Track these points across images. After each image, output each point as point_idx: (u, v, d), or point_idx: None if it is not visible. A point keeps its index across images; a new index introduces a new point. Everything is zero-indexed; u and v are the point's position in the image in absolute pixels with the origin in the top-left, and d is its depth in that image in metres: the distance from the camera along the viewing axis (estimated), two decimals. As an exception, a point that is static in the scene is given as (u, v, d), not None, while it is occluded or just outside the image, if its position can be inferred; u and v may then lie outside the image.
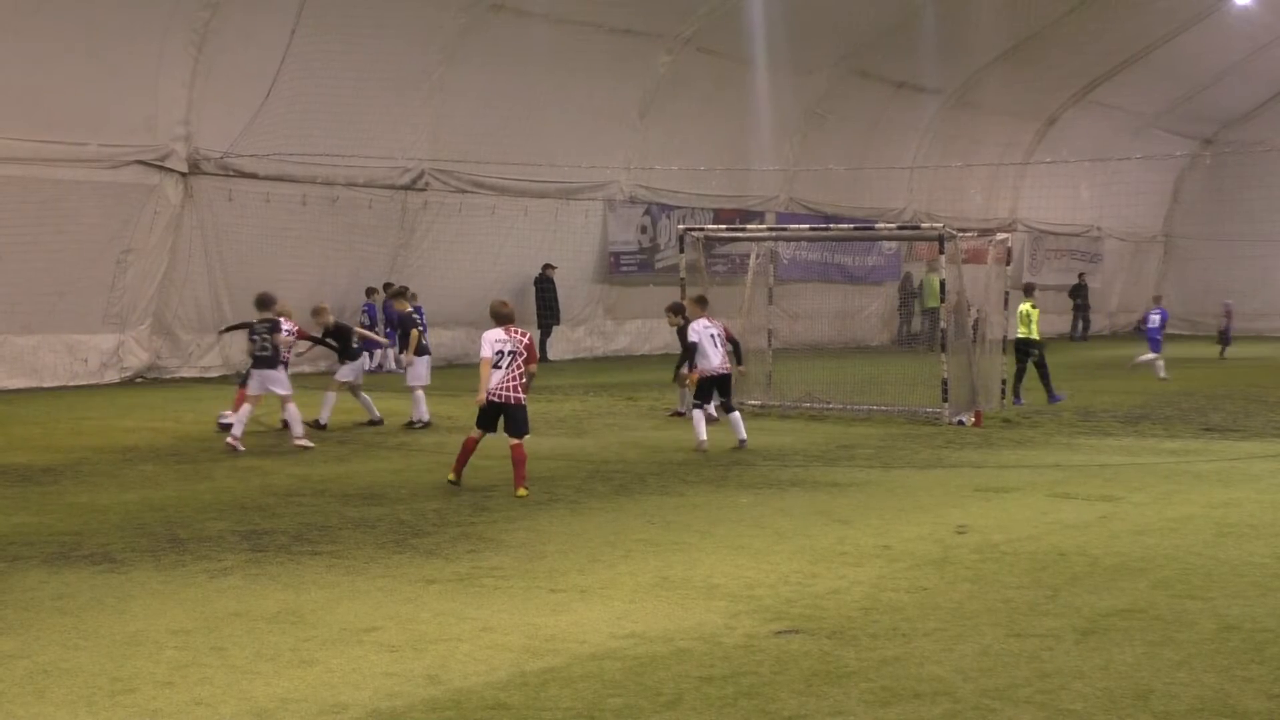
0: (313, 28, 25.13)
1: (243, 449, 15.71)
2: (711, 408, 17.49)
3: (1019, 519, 11.69)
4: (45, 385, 23.28)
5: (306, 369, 23.65)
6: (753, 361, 21.47)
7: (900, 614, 8.38)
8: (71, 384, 23.60)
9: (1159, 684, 7.00)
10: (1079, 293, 45.46)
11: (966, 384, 19.73)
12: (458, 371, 25.99)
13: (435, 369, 19.10)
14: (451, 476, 13.30)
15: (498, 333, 13.06)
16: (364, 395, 18.58)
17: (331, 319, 18.73)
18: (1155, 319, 28.57)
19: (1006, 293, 21.83)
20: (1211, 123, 48.57)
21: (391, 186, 28.29)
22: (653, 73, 32.12)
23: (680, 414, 19.16)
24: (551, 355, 31.26)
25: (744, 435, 16.42)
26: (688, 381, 17.29)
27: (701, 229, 24.51)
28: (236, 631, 7.98)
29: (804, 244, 36.15)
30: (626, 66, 31.41)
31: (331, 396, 18.17)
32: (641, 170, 33.22)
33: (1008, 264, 22.32)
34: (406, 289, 21.41)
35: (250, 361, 16.60)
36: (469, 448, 13.28)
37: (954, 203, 40.78)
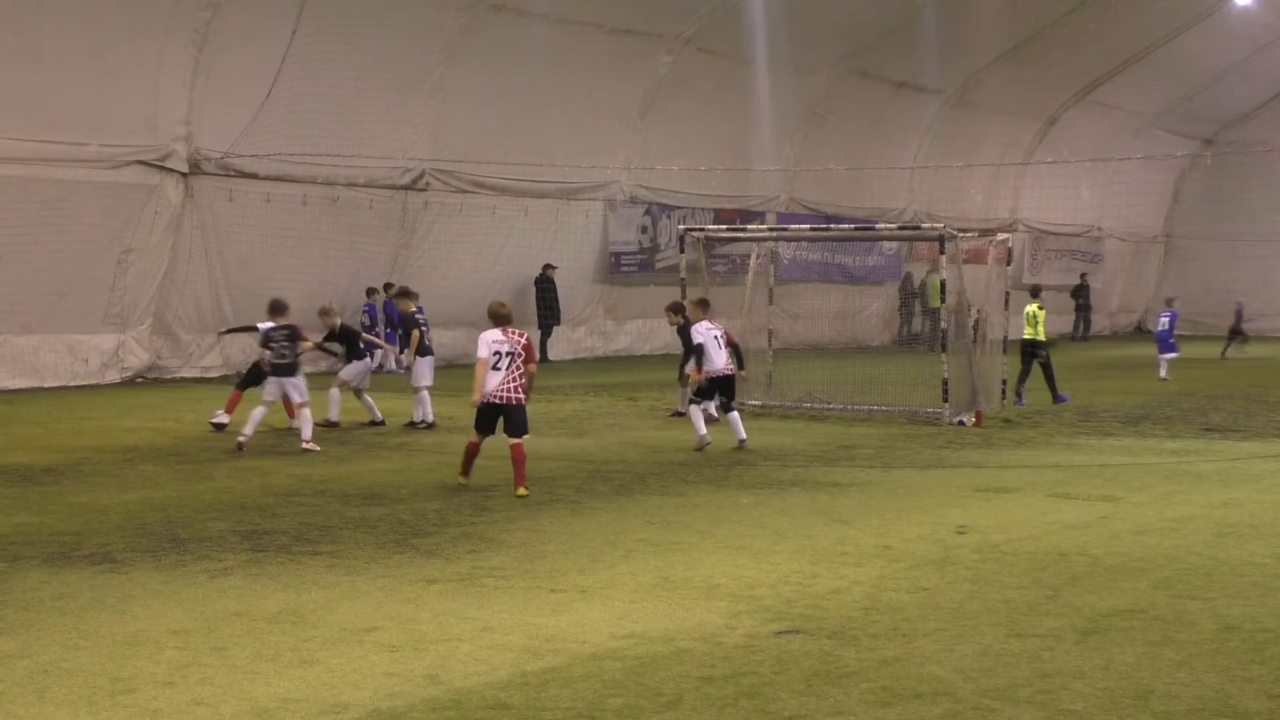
0: (313, 28, 25.13)
1: (243, 449, 15.73)
2: (712, 408, 17.50)
3: (1019, 519, 11.69)
4: (46, 385, 23.28)
5: (307, 370, 23.63)
6: (753, 362, 21.46)
7: (901, 614, 8.38)
8: (72, 384, 23.60)
9: (1159, 684, 7.00)
10: (1081, 293, 45.46)
11: (967, 384, 19.73)
12: (458, 372, 25.94)
13: (435, 369, 19.08)
14: (462, 480, 13.24)
15: (495, 333, 13.03)
16: (367, 398, 18.59)
17: (338, 320, 18.74)
18: (1164, 320, 28.59)
19: (1007, 293, 21.84)
20: (1212, 123, 48.57)
21: (392, 186, 28.29)
22: (653, 73, 32.12)
23: (681, 414, 19.15)
24: (552, 355, 31.26)
25: (744, 435, 16.42)
26: (690, 380, 17.28)
27: (702, 229, 24.51)
28: (237, 631, 7.98)
29: (804, 244, 36.13)
30: (627, 66, 31.41)
31: (335, 394, 18.22)
32: (642, 170, 33.22)
33: (1008, 264, 22.33)
34: (409, 289, 21.40)
35: (249, 364, 16.64)
36: (471, 452, 13.26)
37: (954, 203, 40.78)
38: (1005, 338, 21.36)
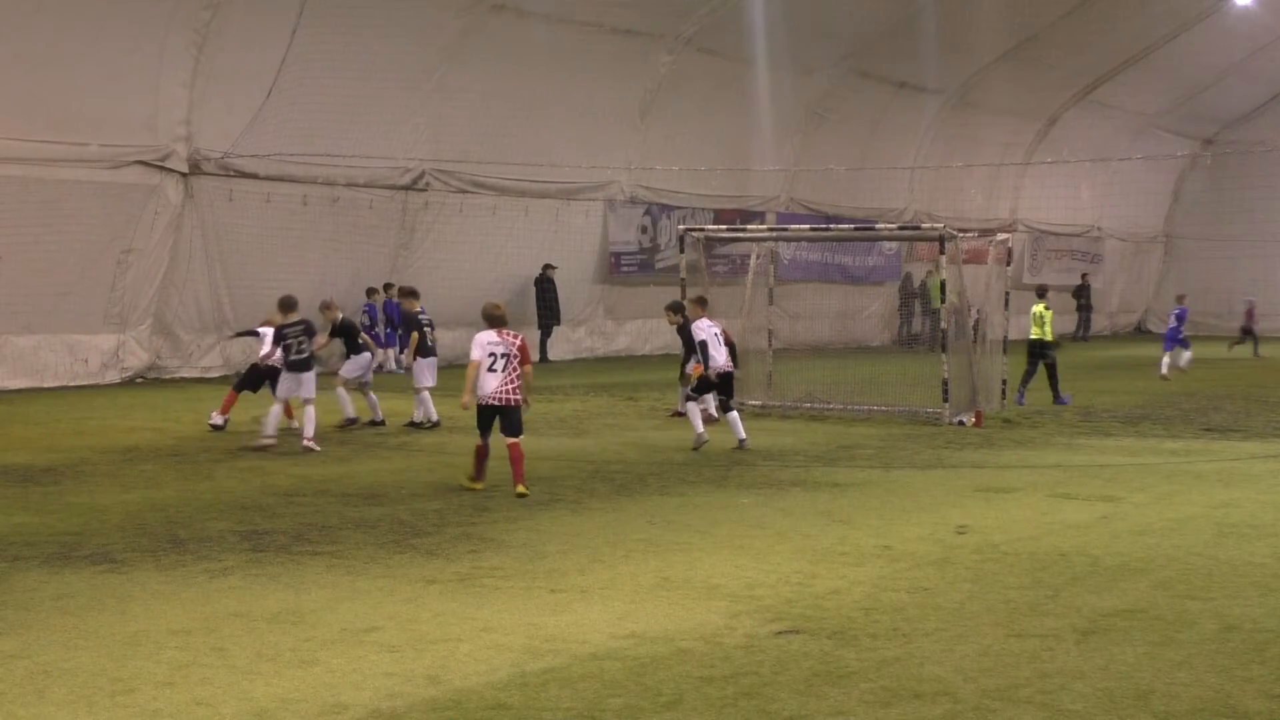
0: (313, 28, 25.12)
1: (269, 450, 15.79)
2: (712, 408, 17.51)
3: (1020, 519, 11.68)
4: (46, 385, 23.28)
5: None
6: (753, 362, 21.49)
7: (901, 614, 8.38)
8: (72, 384, 23.60)
9: (1160, 684, 7.00)
10: (1083, 293, 45.46)
11: (967, 384, 19.73)
12: (457, 372, 25.93)
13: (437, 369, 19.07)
14: (479, 485, 13.15)
15: (490, 335, 13.02)
16: (372, 395, 18.59)
17: (339, 314, 18.73)
18: (1173, 318, 28.65)
19: (1007, 293, 21.84)
20: (1212, 123, 48.58)
21: (392, 187, 28.29)
22: (653, 73, 32.12)
23: (681, 414, 19.14)
24: (552, 355, 31.27)
25: (744, 435, 16.42)
26: (690, 377, 17.27)
27: (702, 229, 24.49)
28: (237, 632, 7.98)
29: (804, 244, 36.14)
30: (627, 67, 31.40)
31: (343, 393, 18.23)
32: (642, 170, 33.21)
33: (1008, 264, 22.32)
34: (414, 289, 21.38)
35: (248, 364, 16.65)
36: (481, 455, 13.20)
37: (954, 203, 40.79)
38: (1005, 338, 21.35)
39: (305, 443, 15.93)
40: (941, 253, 19.85)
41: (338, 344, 18.90)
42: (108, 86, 23.32)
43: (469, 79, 28.32)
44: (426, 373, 18.47)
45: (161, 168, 24.41)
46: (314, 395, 16.41)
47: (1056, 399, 21.81)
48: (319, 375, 16.83)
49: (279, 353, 16.71)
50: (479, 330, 13.18)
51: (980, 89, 39.96)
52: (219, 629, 8.04)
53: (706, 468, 14.83)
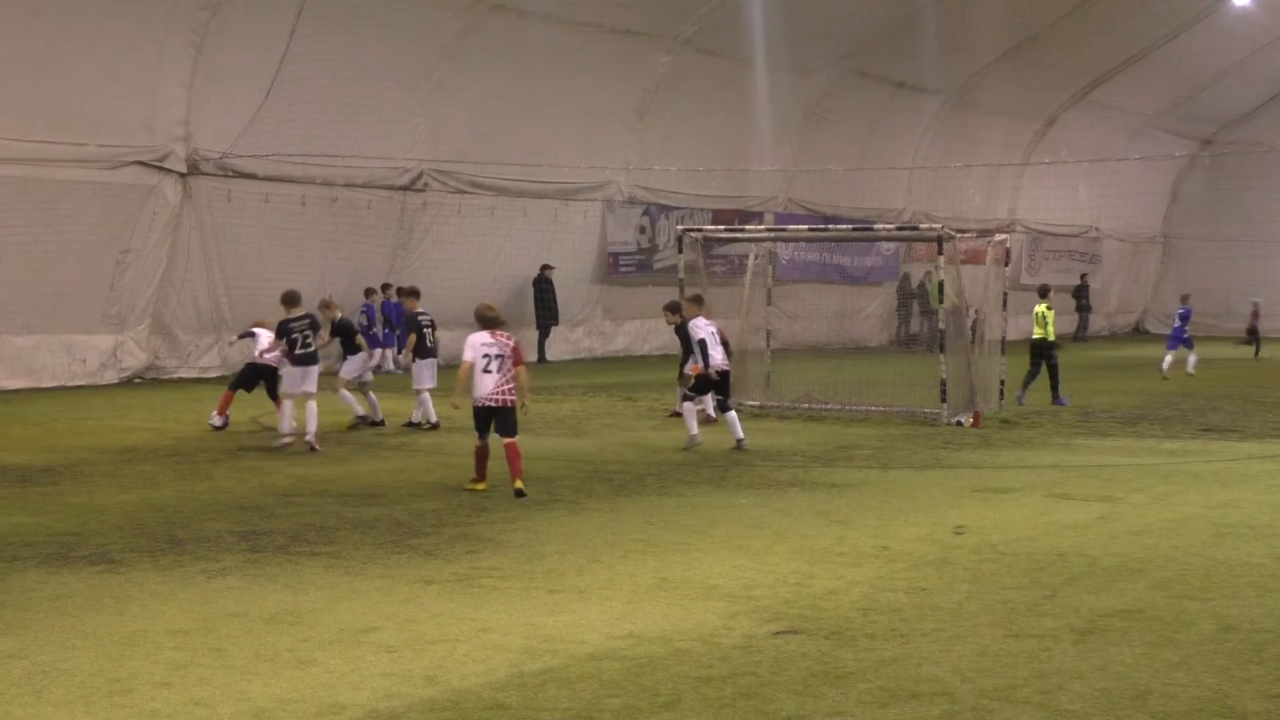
0: (312, 28, 25.11)
1: (287, 449, 15.81)
2: (710, 409, 17.50)
3: (1017, 519, 11.69)
4: (44, 385, 23.26)
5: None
6: (751, 362, 21.50)
7: (898, 614, 8.38)
8: (70, 384, 23.59)
9: (1157, 684, 7.00)
10: (1082, 293, 45.48)
11: (965, 385, 19.73)
12: (456, 372, 25.95)
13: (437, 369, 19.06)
14: (481, 486, 13.15)
15: (483, 336, 13.02)
16: (372, 395, 18.59)
17: (338, 313, 18.73)
18: (1178, 318, 28.68)
19: (1005, 293, 21.85)
20: (1210, 123, 48.60)
21: (390, 187, 28.28)
22: (652, 73, 32.11)
23: (679, 414, 19.14)
24: (550, 356, 31.26)
25: (741, 435, 16.43)
26: (689, 377, 17.28)
27: (700, 229, 24.49)
28: (235, 632, 7.98)
29: (803, 244, 36.13)
30: (626, 67, 31.40)
31: (346, 394, 18.23)
32: (640, 171, 33.21)
33: (1006, 265, 22.32)
34: (416, 289, 21.36)
35: (246, 365, 16.65)
36: (481, 456, 13.18)
37: (953, 203, 40.79)
38: (1004, 338, 21.36)
39: (307, 438, 15.94)
40: (940, 253, 19.86)
41: (336, 344, 18.89)
42: (106, 87, 23.32)
43: (468, 79, 28.32)
44: (426, 373, 18.44)
45: (160, 168, 24.40)
46: (315, 390, 16.42)
47: (1055, 399, 21.84)
48: (319, 376, 16.83)
49: (278, 352, 16.71)
50: (473, 331, 13.19)
51: (979, 89, 39.98)
52: (217, 629, 8.04)
53: (704, 468, 14.83)
